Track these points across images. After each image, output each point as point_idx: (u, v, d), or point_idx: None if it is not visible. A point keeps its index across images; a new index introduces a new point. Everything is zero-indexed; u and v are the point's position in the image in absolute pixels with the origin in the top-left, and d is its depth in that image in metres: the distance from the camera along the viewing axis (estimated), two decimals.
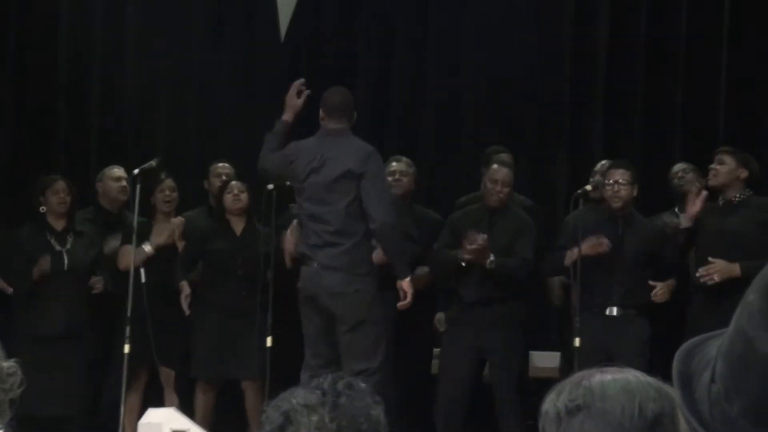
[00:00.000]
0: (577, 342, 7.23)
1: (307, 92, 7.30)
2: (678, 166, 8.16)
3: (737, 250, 7.16)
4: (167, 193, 8.27)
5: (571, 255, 7.36)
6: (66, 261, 8.03)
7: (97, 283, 8.12)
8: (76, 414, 8.03)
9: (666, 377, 1.73)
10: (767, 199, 7.51)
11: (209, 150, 9.63)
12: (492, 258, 7.48)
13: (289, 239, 7.68)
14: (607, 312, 7.42)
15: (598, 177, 7.92)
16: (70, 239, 8.08)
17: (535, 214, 8.15)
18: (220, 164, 8.66)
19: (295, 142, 7.21)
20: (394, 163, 8.25)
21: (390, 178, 7.95)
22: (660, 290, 7.39)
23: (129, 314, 7.55)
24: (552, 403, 1.97)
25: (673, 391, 1.55)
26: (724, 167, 7.41)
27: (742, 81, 9.03)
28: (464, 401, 7.72)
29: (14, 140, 9.53)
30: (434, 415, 7.80)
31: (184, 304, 8.04)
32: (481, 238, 7.43)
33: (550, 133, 9.58)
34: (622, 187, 7.41)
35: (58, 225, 8.10)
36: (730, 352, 1.42)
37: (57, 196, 8.06)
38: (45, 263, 7.91)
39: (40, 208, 8.09)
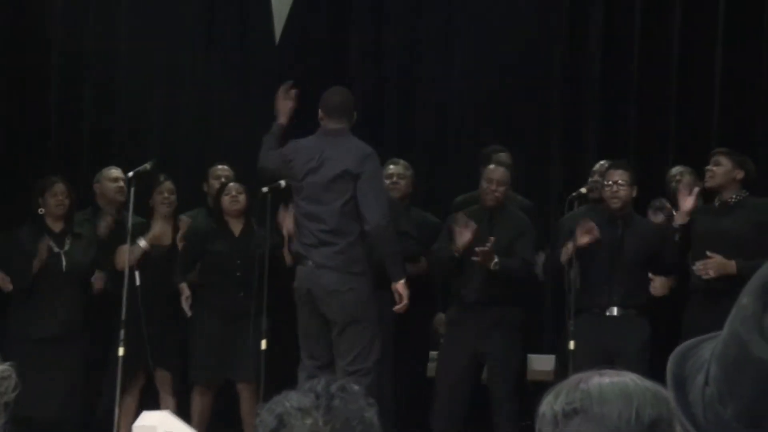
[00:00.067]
0: (571, 345, 7.22)
1: (295, 91, 7.31)
2: (675, 169, 8.17)
3: (733, 251, 7.18)
4: (166, 195, 8.28)
5: (566, 251, 7.37)
6: (64, 262, 8.03)
7: (98, 280, 8.10)
8: (72, 417, 8.01)
9: (665, 378, 1.72)
10: (763, 199, 7.53)
11: (203, 152, 9.64)
12: (496, 260, 7.48)
13: (284, 216, 7.64)
14: (608, 312, 7.41)
15: (596, 177, 7.93)
16: (68, 241, 8.09)
17: (533, 215, 8.17)
18: (220, 167, 8.68)
19: (294, 141, 7.23)
20: (391, 166, 8.25)
21: (387, 181, 7.96)
22: (658, 283, 7.37)
23: (124, 317, 7.56)
24: (549, 405, 1.96)
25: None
26: (721, 168, 7.42)
27: (736, 82, 9.04)
28: (462, 404, 7.71)
29: (9, 142, 9.51)
30: (431, 418, 7.79)
31: (186, 306, 8.04)
32: (489, 242, 7.43)
33: (544, 134, 9.59)
34: (621, 187, 7.42)
35: (56, 227, 8.10)
36: (724, 355, 1.43)
37: (55, 198, 8.07)
38: (43, 250, 7.90)
39: (39, 210, 8.09)
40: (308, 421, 2.22)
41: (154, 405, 7.73)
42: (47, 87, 9.64)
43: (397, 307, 7.07)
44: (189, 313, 8.04)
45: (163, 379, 8.17)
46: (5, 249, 8.09)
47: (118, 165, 8.59)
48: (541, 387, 2.05)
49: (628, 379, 1.95)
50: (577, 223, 7.43)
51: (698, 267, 7.22)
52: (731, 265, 7.13)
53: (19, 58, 9.56)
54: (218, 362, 7.99)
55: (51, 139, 9.62)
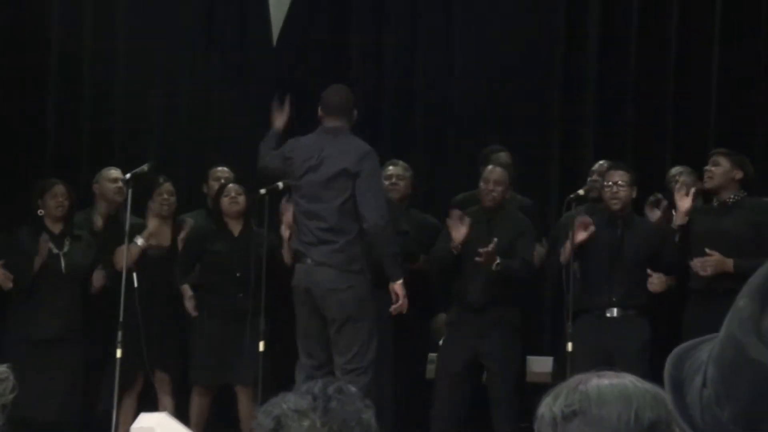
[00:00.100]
0: (569, 347, 7.22)
1: (288, 102, 7.33)
2: (675, 169, 8.15)
3: (732, 251, 7.17)
4: (165, 196, 8.27)
5: (565, 250, 7.37)
6: (63, 264, 8.02)
7: (98, 278, 8.07)
8: (72, 418, 8.00)
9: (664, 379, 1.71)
10: (761, 200, 7.52)
11: (202, 153, 9.61)
12: (498, 260, 7.48)
13: (285, 208, 7.63)
14: (608, 313, 7.40)
15: (595, 177, 7.92)
16: (67, 243, 8.08)
17: (533, 214, 8.16)
18: (219, 168, 8.67)
19: (294, 139, 7.24)
20: (390, 167, 8.24)
21: (387, 182, 7.95)
22: (656, 279, 7.35)
23: (121, 318, 7.55)
24: (548, 407, 1.95)
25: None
26: (720, 169, 7.41)
27: (733, 81, 9.04)
28: (461, 405, 7.70)
29: (8, 142, 9.49)
30: (430, 419, 7.78)
31: (190, 307, 8.02)
32: (492, 243, 7.43)
33: (543, 134, 9.58)
34: (621, 188, 7.42)
35: (56, 228, 8.09)
36: (721, 358, 1.42)
37: (55, 200, 8.07)
38: (44, 247, 7.89)
39: (38, 212, 8.08)
40: (305, 423, 2.21)
41: (153, 406, 7.72)
42: (46, 87, 9.62)
43: (393, 307, 7.06)
44: (194, 314, 8.02)
45: (161, 380, 8.15)
46: (5, 249, 8.08)
47: (116, 166, 8.58)
48: (540, 389, 2.04)
49: (627, 381, 1.94)
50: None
51: (696, 264, 7.22)
52: (728, 264, 7.13)
53: (17, 58, 9.54)
54: (218, 363, 7.97)
55: (50, 139, 9.60)
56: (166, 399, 8.13)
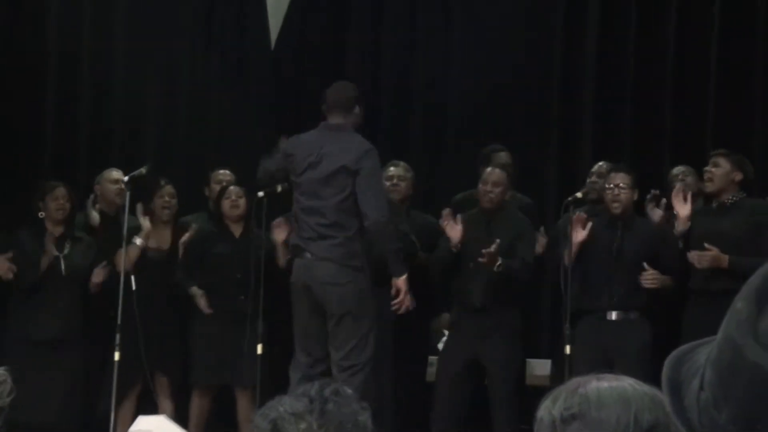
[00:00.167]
0: (567, 350, 7.21)
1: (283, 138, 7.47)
2: (677, 169, 8.14)
3: (731, 252, 7.18)
4: (166, 199, 8.27)
5: (569, 252, 7.37)
6: (63, 266, 8.02)
7: (97, 274, 8.05)
8: (71, 419, 8.00)
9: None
10: (760, 201, 7.53)
11: (201, 154, 9.61)
12: (500, 261, 7.47)
13: (278, 224, 7.68)
14: (608, 316, 7.40)
15: (594, 178, 7.91)
16: (67, 245, 8.08)
17: (533, 213, 8.16)
18: (221, 171, 8.66)
19: (296, 136, 7.25)
20: (391, 168, 8.24)
21: (388, 183, 7.95)
22: (649, 274, 7.34)
23: (119, 321, 7.54)
24: (547, 410, 1.95)
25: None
26: (719, 170, 7.41)
27: (732, 81, 9.04)
28: (462, 406, 7.70)
29: (7, 142, 9.48)
30: (431, 420, 7.77)
31: (203, 305, 8.00)
32: (495, 244, 7.43)
33: (541, 134, 9.58)
34: (622, 191, 7.42)
35: (56, 230, 8.10)
36: (719, 360, 1.42)
37: (56, 202, 8.08)
38: (51, 247, 7.91)
39: (39, 213, 8.08)
40: (302, 426, 2.21)
41: (152, 409, 7.71)
42: (44, 88, 9.62)
43: (395, 302, 7.04)
44: (208, 312, 8.00)
45: (161, 383, 8.15)
46: (6, 248, 8.08)
47: (115, 166, 8.59)
48: (539, 391, 2.03)
49: (627, 383, 1.93)
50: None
51: (693, 256, 7.22)
52: (724, 260, 7.13)
53: (16, 58, 9.54)
54: (218, 363, 7.97)
55: (49, 140, 9.59)
56: (165, 402, 8.12)
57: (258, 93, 10.01)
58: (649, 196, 7.73)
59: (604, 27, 9.47)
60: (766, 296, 1.38)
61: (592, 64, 9.47)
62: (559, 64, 9.60)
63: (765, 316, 1.37)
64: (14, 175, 9.12)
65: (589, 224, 7.40)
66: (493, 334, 7.61)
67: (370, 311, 6.99)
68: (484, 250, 7.43)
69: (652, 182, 8.13)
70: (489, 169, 7.85)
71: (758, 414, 1.37)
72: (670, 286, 7.42)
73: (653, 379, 1.98)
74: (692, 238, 7.36)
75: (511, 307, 7.71)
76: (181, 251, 8.18)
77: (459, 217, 7.63)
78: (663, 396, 1.79)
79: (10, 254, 7.96)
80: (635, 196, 7.48)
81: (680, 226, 7.38)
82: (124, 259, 7.78)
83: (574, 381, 1.98)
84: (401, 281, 7.01)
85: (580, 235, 7.38)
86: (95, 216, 8.41)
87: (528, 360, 8.16)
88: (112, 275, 8.02)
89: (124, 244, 7.80)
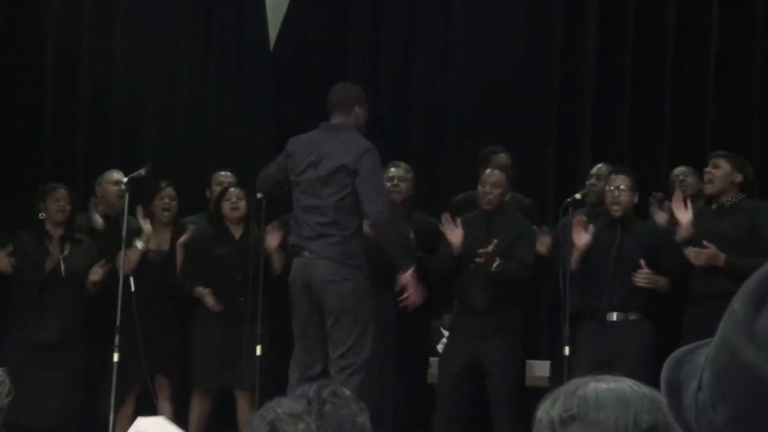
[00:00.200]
0: (566, 351, 7.21)
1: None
2: (678, 170, 8.14)
3: (731, 253, 7.15)
4: (166, 201, 8.27)
5: (573, 259, 7.36)
6: (63, 268, 8.01)
7: (96, 273, 8.04)
8: (71, 420, 8.00)
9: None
10: (760, 202, 7.52)
11: (201, 154, 9.61)
12: (498, 261, 7.47)
13: (271, 230, 7.69)
14: (608, 317, 7.39)
15: (593, 180, 7.90)
16: (67, 247, 8.08)
17: (533, 214, 8.15)
18: (222, 173, 8.65)
19: (296, 136, 7.25)
20: (392, 169, 8.24)
21: (388, 184, 7.94)
22: (644, 273, 7.32)
23: (118, 323, 7.53)
24: (546, 411, 1.94)
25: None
26: (720, 171, 7.40)
27: (731, 82, 9.04)
28: (462, 406, 7.70)
29: (7, 143, 9.48)
30: (432, 420, 7.78)
31: (210, 303, 7.99)
32: (492, 244, 7.42)
33: (540, 135, 9.58)
34: (623, 193, 7.41)
35: (57, 232, 8.09)
36: (716, 361, 1.43)
37: (57, 204, 8.07)
38: (55, 250, 7.91)
39: (39, 215, 8.08)
40: (300, 427, 2.21)
41: (152, 410, 7.70)
42: (43, 88, 9.61)
43: (403, 296, 7.03)
44: (218, 309, 7.98)
45: (161, 384, 8.14)
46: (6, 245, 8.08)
47: (115, 167, 8.59)
48: (538, 392, 2.03)
49: (626, 384, 1.93)
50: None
51: (690, 253, 7.22)
52: (721, 258, 7.14)
53: (14, 58, 9.53)
54: (219, 364, 7.97)
55: (48, 140, 9.59)
56: (164, 403, 8.12)
57: (258, 93, 10.01)
58: (652, 199, 7.72)
59: (604, 27, 9.47)
60: (763, 298, 1.39)
61: (592, 64, 9.47)
62: (558, 64, 9.60)
63: (761, 317, 1.38)
64: (14, 175, 9.12)
65: (591, 228, 7.39)
66: (493, 335, 7.61)
67: (368, 311, 6.99)
68: (481, 250, 7.43)
69: (651, 182, 8.14)
70: (488, 170, 7.84)
71: (754, 415, 1.37)
72: (664, 287, 7.40)
73: (653, 381, 1.97)
74: (692, 239, 7.36)
75: (511, 308, 7.72)
76: (179, 252, 8.18)
77: (459, 220, 7.63)
78: (662, 397, 1.79)
79: (9, 248, 7.96)
80: (635, 199, 7.47)
81: (683, 233, 7.35)
82: (125, 262, 7.77)
83: (573, 382, 1.98)
84: (408, 275, 7.01)
85: (583, 239, 7.37)
86: (99, 219, 8.39)
87: (527, 361, 8.16)
88: (112, 276, 8.02)
89: (123, 245, 7.79)
